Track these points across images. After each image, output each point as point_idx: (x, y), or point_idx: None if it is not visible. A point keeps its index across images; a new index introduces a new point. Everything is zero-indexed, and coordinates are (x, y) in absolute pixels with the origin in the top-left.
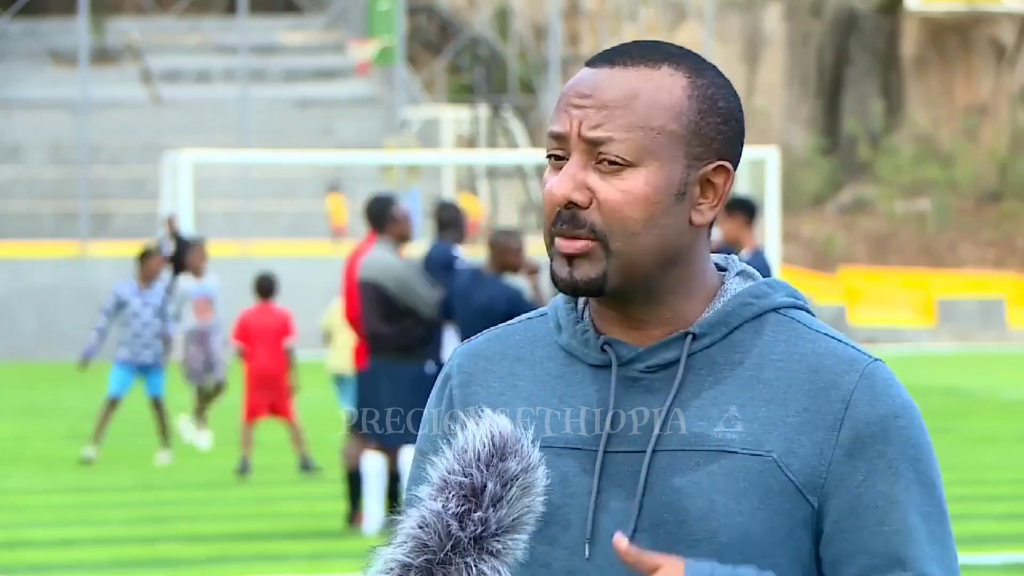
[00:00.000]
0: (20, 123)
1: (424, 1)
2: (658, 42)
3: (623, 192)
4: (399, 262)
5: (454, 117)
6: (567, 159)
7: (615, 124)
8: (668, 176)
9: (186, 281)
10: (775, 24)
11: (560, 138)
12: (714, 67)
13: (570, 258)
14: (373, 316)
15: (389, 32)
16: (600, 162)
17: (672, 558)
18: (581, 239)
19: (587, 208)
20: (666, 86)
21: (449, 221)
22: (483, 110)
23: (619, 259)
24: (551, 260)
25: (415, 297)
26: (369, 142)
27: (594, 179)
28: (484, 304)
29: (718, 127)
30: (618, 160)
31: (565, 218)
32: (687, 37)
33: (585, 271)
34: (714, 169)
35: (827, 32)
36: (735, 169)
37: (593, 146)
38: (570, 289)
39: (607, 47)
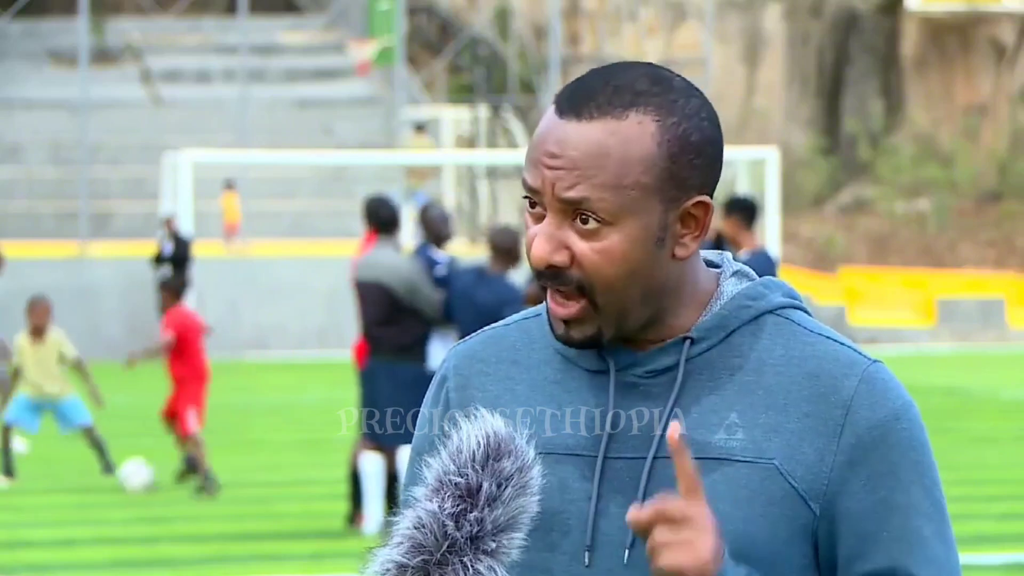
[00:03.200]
0: (20, 123)
1: (424, 1)
2: (624, 77)
3: (601, 252)
4: (406, 263)
5: (454, 117)
6: (543, 206)
7: (588, 185)
8: (645, 228)
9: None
10: (775, 24)
11: (534, 191)
12: (685, 92)
13: (565, 320)
14: (374, 316)
15: (389, 32)
16: (575, 217)
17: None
18: (572, 301)
19: (569, 267)
20: (634, 137)
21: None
22: (483, 110)
23: (608, 312)
24: (548, 316)
25: (421, 298)
26: (369, 142)
27: (572, 238)
28: (490, 303)
29: (692, 163)
30: (594, 220)
31: (549, 275)
32: (687, 37)
33: (581, 331)
34: (693, 204)
35: (827, 32)
36: (712, 195)
37: (568, 206)
38: (569, 344)
39: (607, 47)
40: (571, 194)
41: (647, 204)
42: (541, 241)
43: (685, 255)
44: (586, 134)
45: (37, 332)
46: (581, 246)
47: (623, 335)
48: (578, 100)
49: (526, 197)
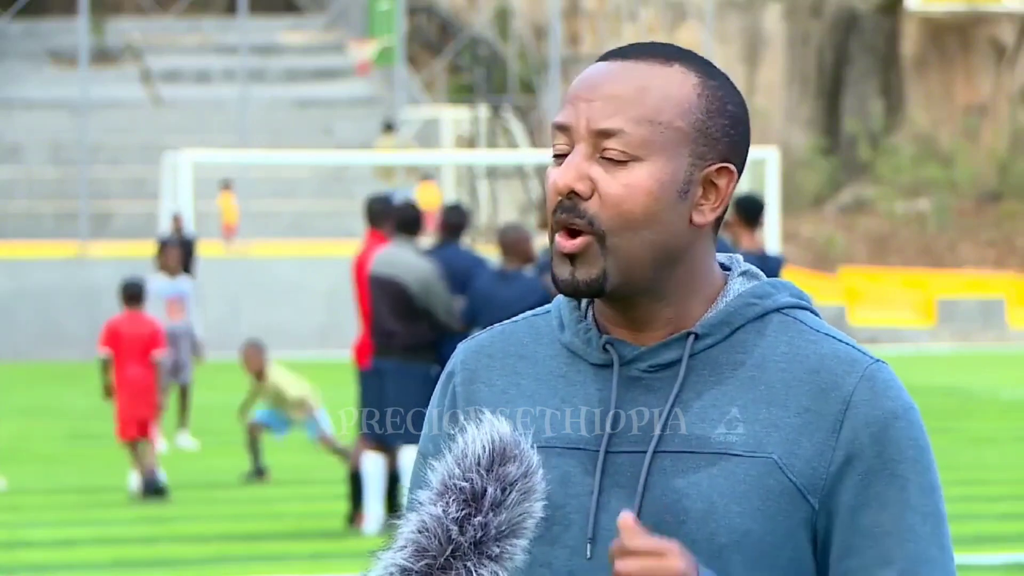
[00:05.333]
0: (20, 123)
1: (424, 1)
2: (673, 45)
3: (626, 186)
4: (424, 263)
5: (454, 117)
6: (571, 143)
7: (624, 116)
8: (672, 172)
9: (158, 280)
10: (775, 24)
11: (565, 130)
12: (725, 76)
13: (571, 258)
14: (387, 313)
15: (389, 32)
16: (604, 155)
17: (678, 551)
18: (579, 235)
19: (588, 199)
20: (676, 81)
21: (458, 224)
22: (483, 110)
23: (616, 256)
24: (552, 259)
25: (436, 300)
26: (369, 142)
27: (597, 171)
28: (513, 299)
29: (725, 129)
30: (623, 154)
31: (566, 207)
32: (687, 37)
33: (585, 271)
34: (717, 170)
35: (827, 32)
36: (739, 175)
37: (599, 138)
38: (571, 290)
39: (607, 47)
40: (607, 124)
41: (677, 149)
42: (566, 168)
43: (702, 222)
44: (629, 70)
45: (258, 376)
46: (606, 178)
47: (626, 290)
48: (624, 48)
49: (555, 151)
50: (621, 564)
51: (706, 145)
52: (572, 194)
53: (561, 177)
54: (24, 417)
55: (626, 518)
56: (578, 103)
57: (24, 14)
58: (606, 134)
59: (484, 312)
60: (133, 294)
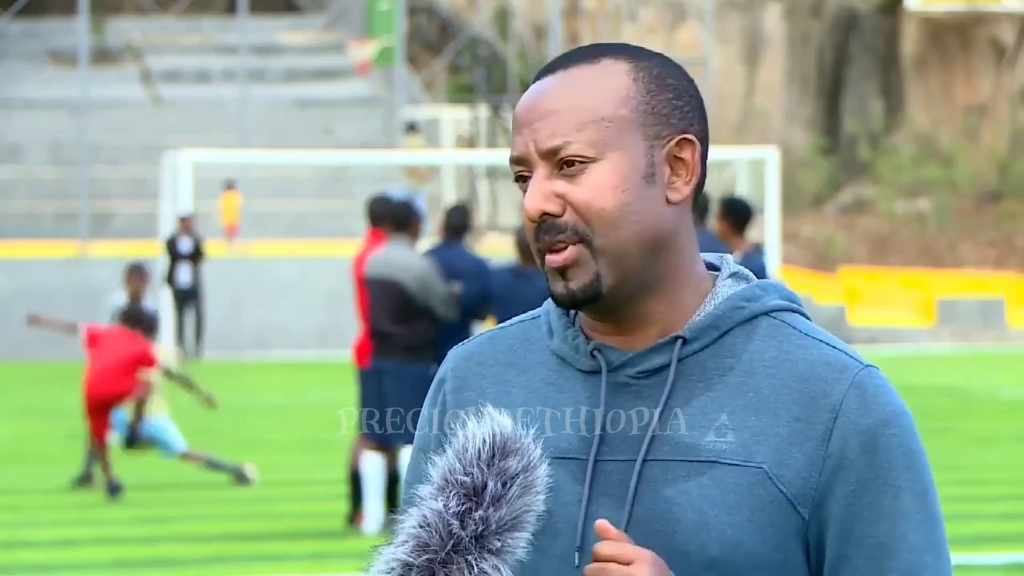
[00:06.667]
0: (20, 123)
1: (424, 1)
2: (597, 43)
3: (591, 188)
4: (420, 261)
5: (454, 117)
6: (530, 170)
7: (565, 127)
8: (632, 161)
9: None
10: (775, 24)
11: (520, 161)
12: (659, 55)
13: (562, 271)
14: (384, 314)
15: (389, 32)
16: (562, 168)
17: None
18: (566, 247)
19: (562, 215)
20: (609, 74)
21: (461, 225)
22: (483, 110)
23: (606, 256)
24: (547, 280)
25: (435, 297)
26: (369, 142)
27: (561, 185)
28: (537, 297)
29: (671, 103)
30: (578, 160)
31: (545, 229)
32: (687, 37)
33: (579, 280)
34: (678, 144)
35: (827, 32)
36: (704, 142)
37: (552, 155)
38: (570, 303)
39: None
40: (552, 142)
41: (629, 137)
42: (531, 194)
43: (678, 199)
44: (559, 81)
45: (134, 299)
46: (571, 188)
47: (621, 287)
48: (551, 63)
49: (516, 179)
50: (588, 570)
51: (657, 124)
52: (545, 216)
53: (530, 203)
54: (24, 417)
55: (602, 524)
56: (523, 131)
57: (24, 14)
58: (556, 150)
59: (505, 311)
60: (139, 321)
